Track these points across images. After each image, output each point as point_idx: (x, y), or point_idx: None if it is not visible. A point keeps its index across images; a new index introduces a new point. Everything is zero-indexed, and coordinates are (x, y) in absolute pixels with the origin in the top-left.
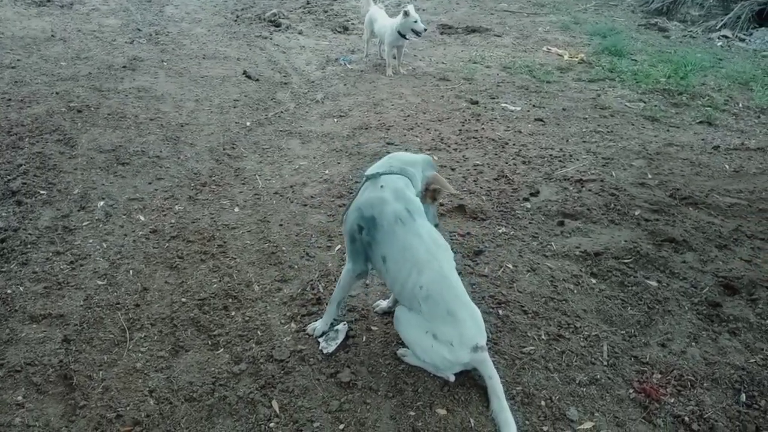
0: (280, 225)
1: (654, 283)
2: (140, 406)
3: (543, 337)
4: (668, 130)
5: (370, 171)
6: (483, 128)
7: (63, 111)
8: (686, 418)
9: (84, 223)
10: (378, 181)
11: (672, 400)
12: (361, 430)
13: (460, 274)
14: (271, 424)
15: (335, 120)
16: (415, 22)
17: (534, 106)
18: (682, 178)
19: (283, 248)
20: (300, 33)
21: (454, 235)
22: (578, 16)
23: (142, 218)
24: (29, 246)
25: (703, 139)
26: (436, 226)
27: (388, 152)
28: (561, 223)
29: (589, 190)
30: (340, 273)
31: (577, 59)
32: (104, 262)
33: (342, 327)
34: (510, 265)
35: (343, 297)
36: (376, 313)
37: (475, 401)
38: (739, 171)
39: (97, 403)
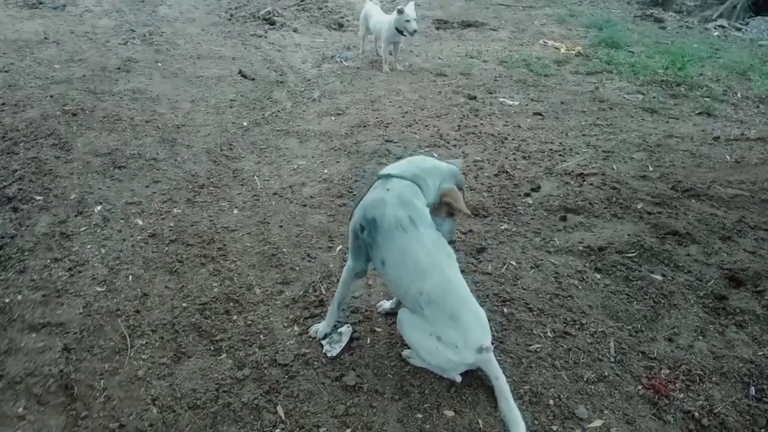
0: (280, 226)
1: (659, 277)
2: (143, 416)
3: (549, 334)
4: (668, 122)
5: (384, 171)
6: (482, 123)
7: (58, 114)
8: (696, 414)
9: (81, 229)
10: (387, 183)
11: (681, 396)
12: None
13: (463, 272)
14: (277, 431)
15: (333, 118)
16: (408, 21)
17: (532, 100)
18: (684, 170)
19: (284, 250)
20: (295, 31)
21: (456, 233)
22: (574, 8)
23: (140, 222)
24: (27, 253)
25: (702, 130)
26: (452, 243)
27: (387, 150)
28: (563, 218)
29: (591, 184)
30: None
31: (574, 52)
32: (103, 268)
33: (345, 329)
34: (513, 262)
35: (344, 296)
36: (379, 314)
37: (482, 402)
38: (740, 162)
39: (99, 414)
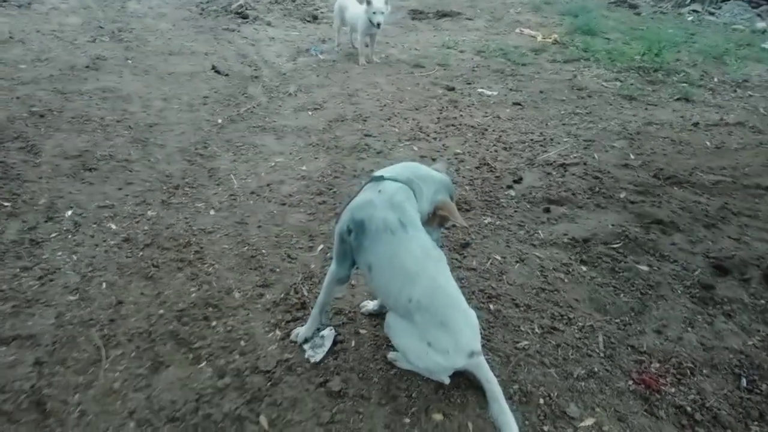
0: (259, 227)
1: (645, 268)
2: (120, 431)
3: (537, 330)
4: (646, 109)
5: (377, 173)
6: (461, 115)
7: (25, 116)
8: (688, 408)
9: (52, 235)
10: (378, 185)
11: (672, 390)
12: None
13: None
14: None
15: (310, 113)
16: (374, 13)
17: (511, 89)
18: (665, 158)
19: (263, 251)
20: (268, 24)
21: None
22: None
23: (113, 226)
24: None
25: (682, 117)
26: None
27: (366, 145)
28: (547, 210)
29: (573, 174)
30: (324, 274)
31: (550, 40)
32: (75, 275)
33: (328, 333)
34: (498, 257)
35: (326, 301)
36: (363, 315)
37: (472, 404)
38: (720, 147)
39: (74, 430)
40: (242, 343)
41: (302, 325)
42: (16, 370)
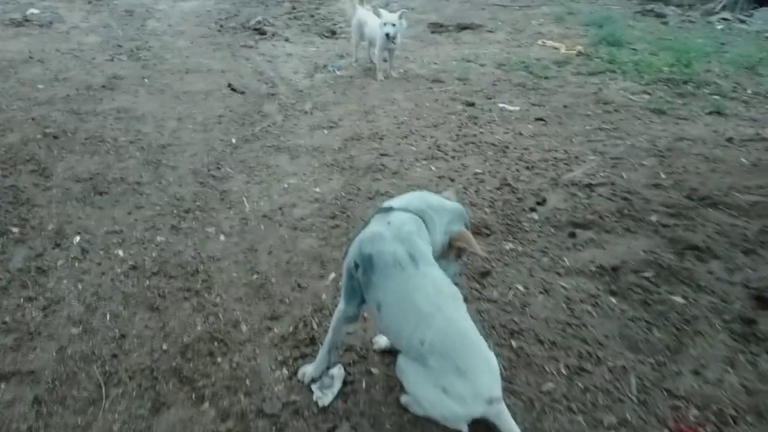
0: (269, 253)
1: (680, 300)
2: None
3: (563, 371)
4: (677, 123)
5: (386, 203)
6: (481, 132)
7: (38, 138)
8: None
9: (59, 262)
10: (387, 216)
11: None
12: None
13: (465, 300)
14: None
15: (325, 131)
16: (385, 24)
17: (533, 104)
18: (698, 176)
19: (273, 280)
20: (286, 40)
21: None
22: (571, 5)
23: (120, 253)
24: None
25: (714, 131)
26: (455, 285)
27: (382, 165)
28: (572, 235)
29: (600, 195)
30: (336, 306)
31: (574, 52)
32: (79, 305)
33: (338, 372)
34: (520, 287)
35: (335, 341)
36: (375, 352)
37: None
38: (757, 165)
39: None
40: (248, 381)
41: (310, 363)
42: (14, 408)
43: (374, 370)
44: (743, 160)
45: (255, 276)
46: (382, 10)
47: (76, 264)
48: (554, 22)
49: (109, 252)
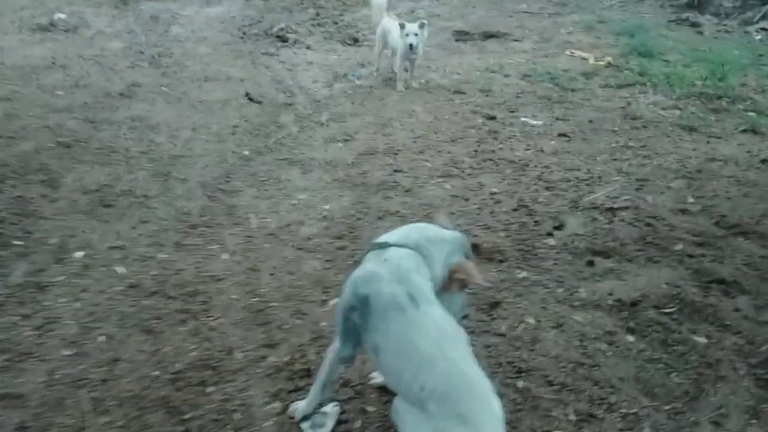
0: (271, 274)
1: (703, 340)
2: None
3: (571, 417)
4: (708, 142)
5: (381, 238)
6: (501, 148)
7: (51, 147)
8: None
9: (58, 278)
10: (383, 253)
11: None
12: None
13: (472, 333)
14: None
15: (340, 145)
16: (407, 35)
17: (557, 118)
18: (728, 202)
19: (273, 304)
20: (308, 47)
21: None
22: (603, 14)
23: (121, 270)
24: None
25: (748, 151)
26: (465, 317)
27: (395, 182)
28: (590, 263)
29: (622, 220)
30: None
31: (603, 62)
32: (74, 326)
33: (331, 409)
34: (532, 320)
35: (329, 379)
36: (372, 388)
37: None
38: None
39: None
40: (237, 415)
41: (303, 398)
42: None
43: (370, 409)
44: None
45: (255, 299)
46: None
47: (76, 280)
48: (584, 31)
49: (109, 269)
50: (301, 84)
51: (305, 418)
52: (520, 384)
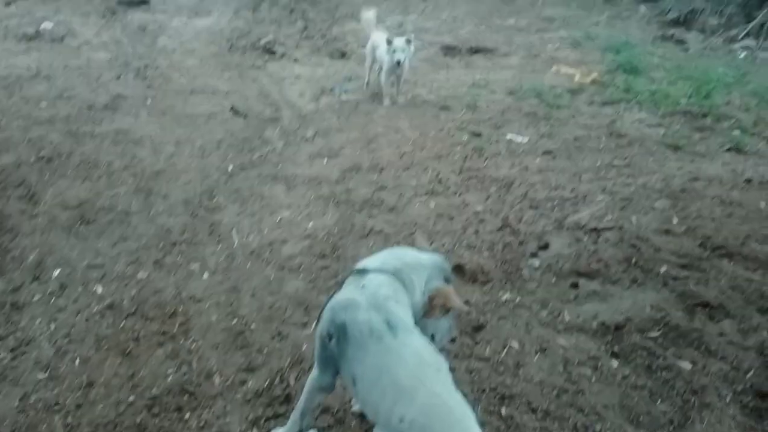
0: (252, 295)
1: (687, 366)
2: None
3: None
4: (693, 161)
5: (359, 264)
6: (486, 165)
7: (32, 161)
8: None
9: (35, 298)
10: (361, 279)
11: None
12: None
13: (456, 357)
14: None
15: (325, 161)
16: (394, 52)
17: (542, 136)
18: (713, 222)
19: (253, 326)
20: (295, 60)
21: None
22: (590, 30)
23: (99, 290)
24: None
25: (733, 170)
26: (453, 340)
27: (380, 199)
28: (574, 285)
29: (606, 241)
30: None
31: (589, 79)
32: (50, 348)
33: None
34: (516, 344)
35: (308, 408)
36: (353, 415)
37: None
38: None
39: None
40: None
41: (282, 426)
42: None
43: None
44: (762, 204)
45: (235, 320)
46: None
47: (53, 300)
48: (570, 47)
49: (87, 288)
50: (287, 98)
51: None
52: (504, 411)
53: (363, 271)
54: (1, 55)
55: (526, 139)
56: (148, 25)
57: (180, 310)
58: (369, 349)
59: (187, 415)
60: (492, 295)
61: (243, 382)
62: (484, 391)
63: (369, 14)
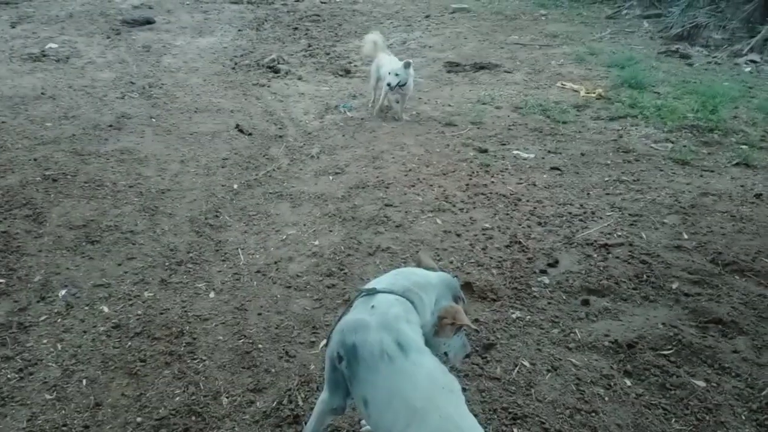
0: (259, 314)
1: (701, 384)
2: None
3: None
4: (701, 176)
5: (368, 284)
6: (492, 182)
7: (37, 181)
8: None
9: (41, 318)
10: (371, 300)
11: None
12: None
13: (466, 376)
14: None
15: (331, 178)
16: (388, 73)
17: (549, 151)
18: (723, 238)
19: (260, 345)
20: (299, 78)
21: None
22: (593, 46)
23: (105, 309)
24: None
25: (742, 185)
26: (468, 356)
27: (386, 216)
28: (585, 302)
29: (617, 257)
30: (323, 378)
31: (594, 95)
32: (56, 368)
33: None
34: (527, 363)
35: (316, 430)
36: None
37: None
38: None
39: None
40: None
41: None
42: None
43: None
44: None
45: (242, 340)
46: (394, 58)
47: (59, 320)
48: (575, 63)
49: (93, 308)
50: (292, 115)
51: None
52: None
53: (372, 292)
54: (7, 76)
55: (532, 155)
56: (153, 45)
57: (186, 329)
58: (380, 371)
59: None
60: (502, 314)
61: (251, 403)
62: (495, 411)
63: (374, 36)
